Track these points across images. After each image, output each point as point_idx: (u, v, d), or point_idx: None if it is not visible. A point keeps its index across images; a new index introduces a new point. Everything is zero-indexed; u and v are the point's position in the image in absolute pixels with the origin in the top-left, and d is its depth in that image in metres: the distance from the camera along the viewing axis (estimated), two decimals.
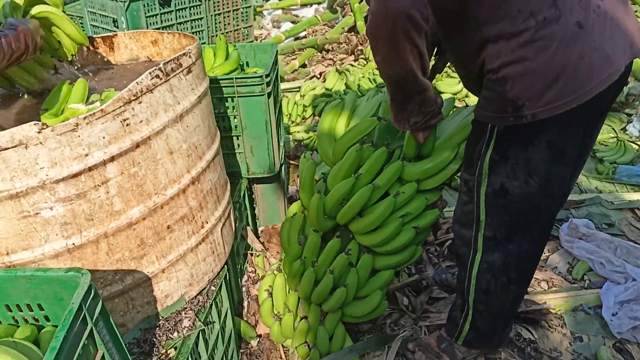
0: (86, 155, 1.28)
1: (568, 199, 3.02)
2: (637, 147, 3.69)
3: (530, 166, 1.52)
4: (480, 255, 1.76)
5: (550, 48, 1.35)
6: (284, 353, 2.16)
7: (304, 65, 5.35)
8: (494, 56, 1.42)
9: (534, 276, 2.57)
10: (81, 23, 4.11)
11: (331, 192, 2.03)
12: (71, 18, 1.77)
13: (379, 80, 4.35)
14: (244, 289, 2.37)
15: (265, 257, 2.52)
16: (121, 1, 3.39)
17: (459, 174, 1.89)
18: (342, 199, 2.03)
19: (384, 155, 2.04)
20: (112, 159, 1.34)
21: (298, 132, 4.02)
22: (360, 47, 5.12)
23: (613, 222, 2.84)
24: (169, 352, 1.51)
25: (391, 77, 1.55)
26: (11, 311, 1.23)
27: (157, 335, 1.55)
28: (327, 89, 4.48)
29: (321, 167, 2.39)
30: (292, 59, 5.53)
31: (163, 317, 1.61)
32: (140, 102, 1.38)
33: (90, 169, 1.30)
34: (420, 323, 2.33)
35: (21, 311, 1.23)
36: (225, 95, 2.26)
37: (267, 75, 2.25)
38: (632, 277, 2.32)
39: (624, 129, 3.93)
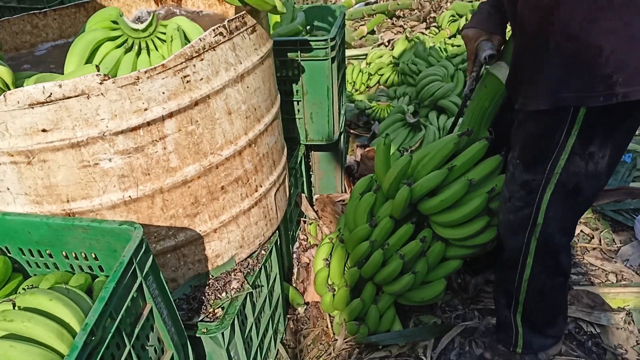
0: (145, 109, 1.28)
1: None
2: None
3: (607, 156, 1.40)
4: (532, 260, 1.66)
5: None
6: (330, 323, 2.14)
7: (372, 32, 5.21)
8: (587, 20, 1.24)
9: (602, 267, 2.42)
10: None
11: (420, 182, 1.93)
12: None
13: (451, 49, 4.16)
14: (294, 255, 2.36)
15: (318, 225, 2.50)
16: None
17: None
18: (430, 190, 1.95)
19: (484, 149, 1.91)
20: (171, 115, 1.33)
21: (361, 100, 3.93)
22: (432, 15, 4.91)
23: None
24: (216, 311, 1.52)
25: None
26: (68, 259, 1.26)
27: (206, 294, 1.57)
28: (394, 57, 4.34)
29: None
30: (360, 25, 5.39)
31: (213, 277, 1.62)
32: (202, 60, 1.36)
33: (148, 123, 1.29)
34: (472, 306, 2.25)
35: (77, 259, 1.26)
36: (288, 58, 2.21)
37: (332, 39, 2.18)
38: None
39: None
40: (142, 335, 1.16)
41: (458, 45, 4.14)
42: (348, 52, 4.84)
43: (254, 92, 1.58)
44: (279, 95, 1.85)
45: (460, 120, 2.04)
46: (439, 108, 3.60)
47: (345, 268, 2.12)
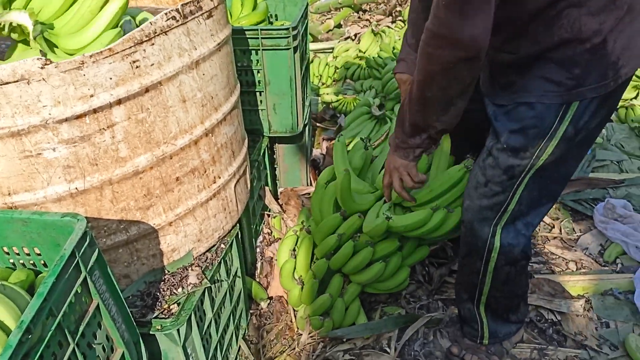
0: (91, 96, 1.21)
1: (606, 177, 2.87)
2: None
3: (590, 137, 1.48)
4: (497, 252, 1.66)
5: None
6: (294, 317, 2.11)
7: (339, 26, 5.18)
8: (589, 19, 1.29)
9: (562, 256, 2.45)
10: None
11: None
12: None
13: None
14: (258, 249, 2.32)
15: (283, 219, 2.46)
16: None
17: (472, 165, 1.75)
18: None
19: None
20: (119, 102, 1.26)
21: (327, 94, 3.90)
22: (398, 9, 4.92)
23: None
24: (171, 307, 1.46)
25: (429, 98, 1.41)
26: (9, 254, 1.19)
27: (161, 290, 1.51)
28: (360, 51, 4.32)
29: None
30: (327, 19, 5.36)
31: (169, 272, 1.57)
32: (152, 44, 1.30)
33: (95, 110, 1.23)
34: (436, 296, 2.25)
35: (18, 255, 1.19)
36: (249, 48, 2.16)
37: (294, 28, 2.14)
38: None
39: None
40: (88, 332, 1.10)
41: None
42: (315, 46, 4.80)
43: (211, 80, 1.53)
44: (238, 84, 1.80)
45: None
46: None
47: (314, 260, 2.08)
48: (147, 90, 1.31)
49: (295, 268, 2.08)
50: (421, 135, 1.52)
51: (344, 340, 2.05)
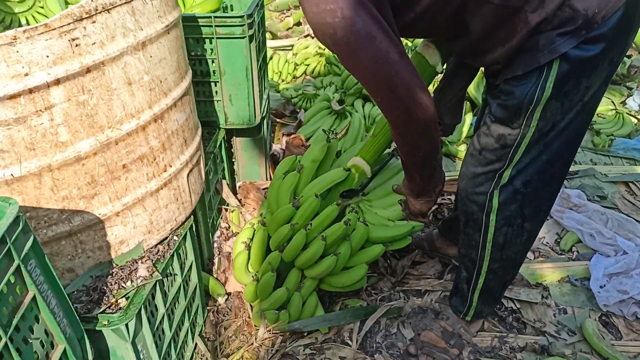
0: (26, 74, 1.13)
1: None
2: (635, 120, 3.57)
3: (589, 87, 1.43)
4: (495, 215, 1.65)
5: None
6: (252, 312, 2.05)
7: (298, 24, 5.15)
8: None
9: None
10: None
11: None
12: None
13: None
14: (215, 244, 2.25)
15: (241, 213, 2.40)
16: None
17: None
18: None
19: None
20: (58, 82, 1.19)
21: (287, 90, 3.86)
22: None
23: (606, 195, 2.73)
24: (119, 301, 1.38)
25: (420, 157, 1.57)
26: None
27: (108, 284, 1.43)
28: (320, 48, 4.29)
29: None
30: (286, 16, 5.32)
31: (117, 265, 1.49)
32: (93, 22, 1.23)
33: (30, 90, 1.15)
34: (397, 288, 2.23)
35: None
36: (203, 36, 2.10)
37: (249, 16, 2.09)
38: (622, 250, 2.22)
39: (624, 103, 3.79)
40: (24, 326, 1.02)
41: None
42: (274, 43, 4.75)
43: (159, 63, 1.46)
44: (190, 71, 1.73)
45: None
46: (364, 96, 3.58)
47: (264, 253, 2.03)
48: (88, 70, 1.24)
49: (248, 261, 2.02)
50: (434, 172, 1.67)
51: (305, 334, 2.00)
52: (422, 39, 1.80)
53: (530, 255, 2.42)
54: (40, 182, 1.25)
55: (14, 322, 0.98)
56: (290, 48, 4.60)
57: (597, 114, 3.60)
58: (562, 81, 1.40)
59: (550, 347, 1.96)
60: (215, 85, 2.25)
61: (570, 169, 2.89)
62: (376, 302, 2.16)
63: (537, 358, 1.92)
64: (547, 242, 2.49)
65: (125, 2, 1.30)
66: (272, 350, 1.92)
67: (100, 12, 1.24)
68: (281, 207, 1.96)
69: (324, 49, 4.34)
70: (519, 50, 1.43)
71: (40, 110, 1.19)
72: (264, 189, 2.61)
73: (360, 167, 1.97)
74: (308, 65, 4.21)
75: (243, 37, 2.11)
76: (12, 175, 1.20)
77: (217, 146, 2.29)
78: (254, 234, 2.08)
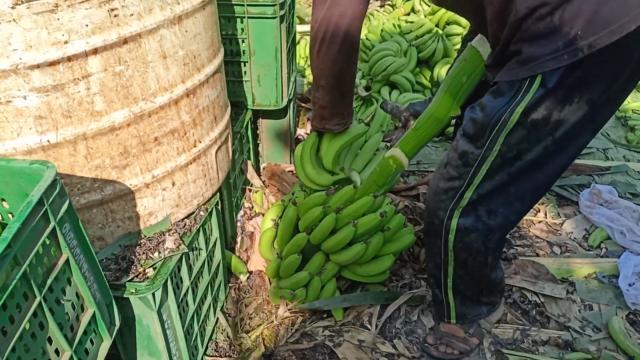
0: (65, 42, 1.15)
1: (591, 164, 2.87)
2: None
3: (560, 122, 1.33)
4: (454, 236, 1.61)
5: None
6: None
7: None
8: None
9: (547, 239, 2.44)
10: None
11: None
12: None
13: (404, 25, 4.12)
14: (238, 224, 2.27)
15: (264, 194, 2.41)
16: None
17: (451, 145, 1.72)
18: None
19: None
20: (95, 51, 1.20)
21: None
22: None
23: (639, 192, 2.67)
24: (147, 271, 1.41)
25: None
26: None
27: (137, 254, 1.45)
28: None
29: None
30: None
31: (145, 236, 1.51)
32: None
33: (69, 58, 1.17)
34: (419, 275, 2.22)
35: None
36: (235, 15, 2.10)
37: None
38: None
39: None
40: (57, 287, 1.05)
41: (412, 22, 4.10)
42: (301, 28, 4.73)
43: (194, 38, 1.47)
44: (222, 48, 1.74)
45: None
46: (391, 83, 3.56)
47: (292, 233, 2.03)
48: (125, 41, 1.25)
49: (275, 238, 2.03)
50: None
51: (325, 316, 2.01)
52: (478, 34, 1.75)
53: (557, 249, 2.39)
54: (75, 150, 1.27)
55: (48, 282, 1.01)
56: None
57: (631, 110, 3.52)
58: (532, 107, 1.32)
59: (574, 342, 1.93)
60: (245, 65, 2.25)
61: (602, 165, 2.87)
62: (397, 289, 2.16)
63: (560, 353, 1.90)
64: (575, 238, 2.46)
65: None
66: (291, 329, 1.93)
67: None
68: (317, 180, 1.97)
69: None
70: (505, 50, 1.38)
71: (78, 79, 1.20)
72: (288, 171, 2.62)
73: (398, 159, 1.92)
74: None
75: (274, 17, 2.11)
76: (48, 141, 1.22)
77: (244, 126, 2.30)
78: (283, 212, 2.09)
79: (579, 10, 1.22)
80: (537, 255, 2.36)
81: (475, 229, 1.57)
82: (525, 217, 2.57)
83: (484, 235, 1.59)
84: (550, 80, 1.28)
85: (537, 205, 2.67)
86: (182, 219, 1.62)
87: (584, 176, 2.81)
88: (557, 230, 2.51)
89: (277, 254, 2.01)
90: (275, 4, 2.06)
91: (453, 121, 1.89)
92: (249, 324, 1.95)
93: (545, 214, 2.62)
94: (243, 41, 2.18)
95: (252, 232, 2.23)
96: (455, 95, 1.78)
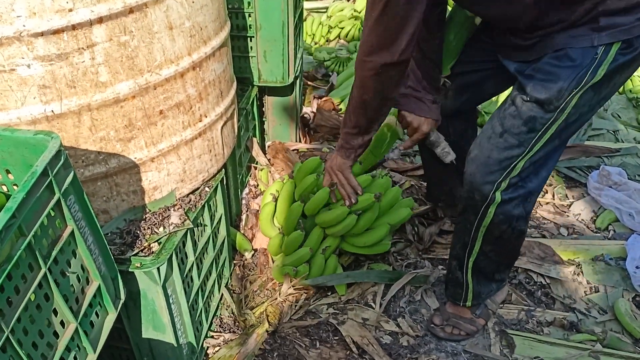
0: (70, 10, 1.12)
1: (601, 146, 2.84)
2: None
3: (617, 84, 1.45)
4: (495, 208, 1.58)
5: None
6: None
7: None
8: None
9: (554, 221, 2.42)
10: None
11: None
12: None
13: None
14: (243, 201, 2.25)
15: (270, 172, 2.39)
16: None
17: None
18: None
19: None
20: (100, 20, 1.17)
21: (320, 52, 3.80)
22: None
23: None
24: (152, 246, 1.40)
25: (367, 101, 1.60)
26: None
27: (141, 229, 1.44)
28: (355, 11, 4.20)
29: None
30: None
31: (150, 211, 1.50)
32: None
33: (74, 27, 1.14)
34: (424, 255, 2.21)
35: None
36: None
37: None
38: None
39: None
40: (62, 259, 1.04)
41: None
42: (309, 5, 4.67)
43: (200, 10, 1.43)
44: (229, 22, 1.70)
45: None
46: None
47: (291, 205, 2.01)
48: (131, 11, 1.22)
49: (274, 212, 2.02)
50: (363, 137, 1.72)
51: (329, 294, 2.01)
52: None
53: (564, 231, 2.37)
54: (80, 121, 1.25)
55: (53, 254, 1.00)
56: (324, 10, 4.52)
57: None
58: (613, 71, 1.37)
59: (580, 324, 1.93)
60: (251, 40, 2.22)
61: (611, 146, 2.83)
62: (402, 268, 2.15)
63: (565, 334, 1.89)
64: (583, 220, 2.43)
65: None
66: (295, 306, 1.93)
67: None
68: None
69: (360, 12, 4.24)
70: (575, 22, 1.36)
71: (82, 48, 1.18)
72: (293, 149, 2.59)
73: (392, 126, 1.90)
74: (342, 28, 4.13)
75: None
76: (52, 111, 1.20)
77: (250, 103, 2.27)
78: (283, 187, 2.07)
79: None
80: (544, 236, 2.34)
81: (517, 196, 1.56)
82: None
83: (524, 199, 1.58)
84: (629, 48, 1.33)
85: (544, 186, 2.65)
86: (187, 195, 1.60)
87: (593, 158, 2.78)
88: (565, 212, 2.49)
89: (279, 229, 1.99)
90: None
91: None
92: (253, 300, 1.95)
93: (553, 195, 2.59)
94: (249, 15, 2.14)
95: (257, 210, 2.22)
96: (445, 55, 1.77)
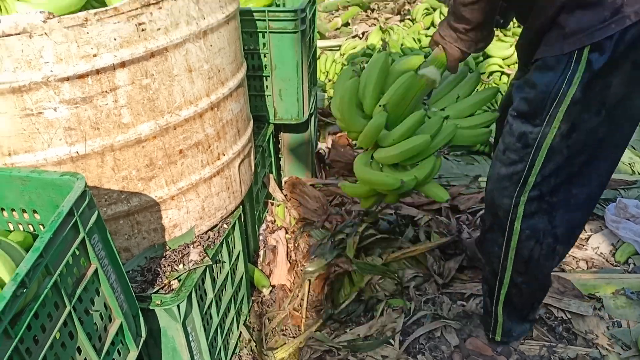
0: (94, 55, 1.17)
1: (617, 178, 2.82)
2: None
3: (609, 92, 1.33)
4: (520, 223, 1.56)
5: None
6: (302, 301, 2.04)
7: (346, 24, 5.16)
8: None
9: (572, 255, 2.39)
10: None
11: None
12: None
13: (424, 40, 4.12)
14: (261, 237, 2.27)
15: (286, 207, 2.41)
16: None
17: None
18: None
19: None
20: (123, 64, 1.22)
21: (333, 89, 3.86)
22: (407, 7, 4.89)
23: None
24: (172, 283, 1.41)
25: None
26: (6, 214, 1.14)
27: (162, 266, 1.46)
28: (368, 47, 4.28)
29: None
30: (335, 17, 5.33)
31: (170, 248, 1.52)
32: (160, 8, 1.26)
33: (98, 71, 1.19)
34: (443, 290, 2.19)
35: (16, 216, 1.14)
36: (257, 30, 2.13)
37: (301, 11, 2.10)
38: None
39: None
40: (86, 297, 1.06)
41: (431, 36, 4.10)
42: (322, 43, 4.77)
43: (218, 53, 1.49)
44: (245, 63, 1.75)
45: None
46: None
47: None
48: (152, 55, 1.27)
49: (358, 90, 1.85)
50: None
51: (347, 330, 1.99)
52: None
53: (583, 265, 2.34)
54: (103, 161, 1.29)
55: (78, 292, 1.02)
56: (337, 48, 4.61)
57: None
58: (589, 79, 1.31)
59: None
60: (266, 79, 2.27)
61: (628, 179, 2.81)
62: (421, 304, 2.13)
63: None
64: (602, 253, 2.40)
65: None
66: (315, 345, 1.91)
67: None
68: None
69: (372, 50, 4.33)
70: (552, 23, 1.35)
71: (106, 91, 1.22)
72: (309, 184, 2.62)
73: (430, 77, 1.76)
74: (355, 65, 4.20)
75: (295, 32, 2.13)
76: (77, 152, 1.24)
77: (266, 140, 2.31)
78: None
79: None
80: (563, 270, 2.31)
81: (539, 209, 1.53)
82: None
83: (547, 212, 1.54)
84: (600, 51, 1.28)
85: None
86: (206, 232, 1.63)
87: (610, 190, 2.76)
88: (583, 245, 2.46)
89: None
90: (296, 19, 2.08)
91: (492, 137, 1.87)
92: (273, 338, 1.94)
93: None
94: (265, 55, 2.20)
95: (275, 246, 2.23)
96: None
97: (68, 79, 1.16)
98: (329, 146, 3.12)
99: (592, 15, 1.26)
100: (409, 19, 4.78)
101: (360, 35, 4.81)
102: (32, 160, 1.22)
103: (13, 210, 1.12)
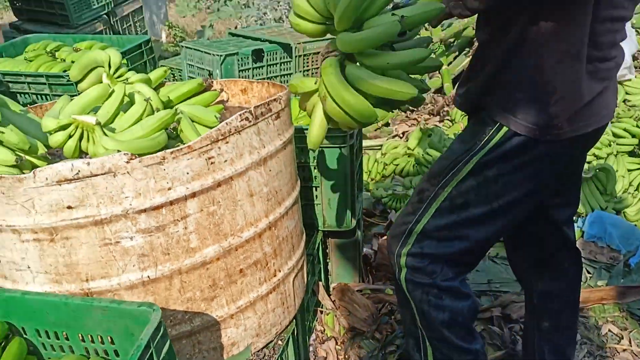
0: (169, 189, 1.29)
1: None
2: None
3: (508, 187, 1.43)
4: (405, 274, 1.56)
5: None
6: None
7: (387, 124, 5.35)
8: (557, 62, 1.31)
9: None
10: (180, 75, 4.38)
11: None
12: (170, 70, 1.79)
13: None
14: (310, 348, 2.26)
15: (336, 316, 2.41)
16: (217, 55, 3.58)
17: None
18: None
19: None
20: (193, 195, 1.33)
21: (377, 189, 3.95)
22: (446, 109, 5.06)
23: None
24: None
25: None
26: (84, 342, 1.21)
27: None
28: (409, 149, 4.41)
29: None
30: None
31: None
32: (227, 142, 1.38)
33: (171, 202, 1.30)
34: None
35: (93, 343, 1.21)
36: (307, 146, 2.25)
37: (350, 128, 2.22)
38: None
39: None
40: None
41: None
42: (364, 143, 4.94)
43: (276, 176, 1.59)
44: (299, 181, 1.86)
45: None
46: None
47: None
48: (219, 184, 1.38)
49: None
50: None
51: None
52: None
53: None
54: (171, 284, 1.37)
55: None
56: (379, 148, 4.76)
57: None
58: (488, 162, 1.41)
59: None
60: (316, 190, 2.37)
61: None
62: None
63: None
64: None
65: (253, 124, 1.46)
66: None
67: (233, 134, 1.40)
68: None
69: (413, 149, 4.46)
70: (490, 82, 1.41)
71: (177, 220, 1.33)
72: (358, 290, 2.63)
73: None
74: (397, 165, 4.31)
75: (344, 146, 2.25)
76: (148, 277, 1.33)
77: (315, 248, 2.37)
78: None
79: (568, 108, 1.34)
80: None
81: (417, 255, 1.54)
82: (607, 345, 2.41)
83: (424, 264, 1.54)
84: (513, 141, 1.37)
85: (619, 331, 2.51)
86: (261, 349, 1.65)
87: None
88: None
89: None
90: (345, 135, 2.21)
91: None
92: None
93: (630, 341, 2.45)
94: (315, 168, 2.31)
95: (325, 357, 2.21)
96: None
97: (145, 210, 1.27)
98: (374, 248, 3.15)
99: (528, 111, 1.35)
100: (448, 119, 4.93)
101: (401, 135, 4.97)
102: (107, 285, 1.30)
103: (91, 336, 1.19)
